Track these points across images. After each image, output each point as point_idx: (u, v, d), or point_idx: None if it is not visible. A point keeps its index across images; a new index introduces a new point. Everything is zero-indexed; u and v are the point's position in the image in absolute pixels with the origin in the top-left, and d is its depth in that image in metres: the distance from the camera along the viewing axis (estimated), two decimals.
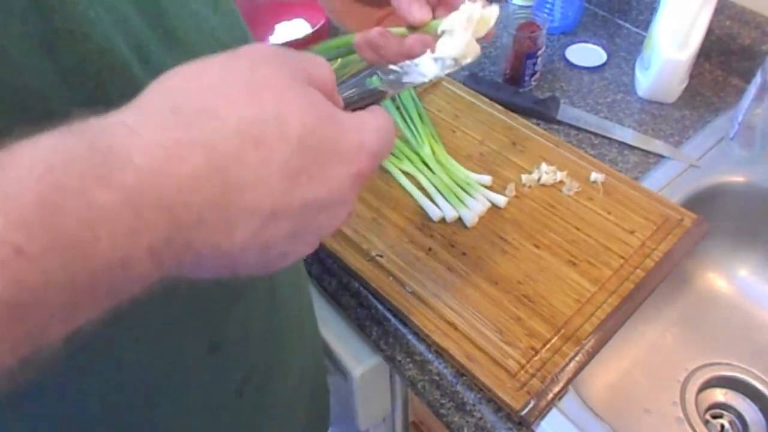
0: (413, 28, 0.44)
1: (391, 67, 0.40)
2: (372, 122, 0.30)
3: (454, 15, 0.42)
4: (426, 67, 0.41)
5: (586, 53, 0.93)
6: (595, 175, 0.71)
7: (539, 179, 0.71)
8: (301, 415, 0.59)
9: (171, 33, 0.34)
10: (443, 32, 0.43)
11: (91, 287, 0.22)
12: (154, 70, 0.31)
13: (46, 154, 0.22)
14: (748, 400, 0.74)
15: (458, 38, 0.42)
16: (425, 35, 0.43)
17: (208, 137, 0.24)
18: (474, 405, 0.57)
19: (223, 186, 0.24)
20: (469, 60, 0.43)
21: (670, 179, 0.74)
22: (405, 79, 0.40)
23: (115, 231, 0.22)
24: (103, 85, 0.29)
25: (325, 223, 0.29)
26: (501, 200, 0.69)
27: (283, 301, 0.49)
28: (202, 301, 0.40)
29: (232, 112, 0.25)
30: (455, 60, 0.42)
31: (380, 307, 0.64)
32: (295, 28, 0.98)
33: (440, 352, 0.59)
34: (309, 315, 0.59)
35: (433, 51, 0.42)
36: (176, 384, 0.42)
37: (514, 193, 0.71)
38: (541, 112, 0.82)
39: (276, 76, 0.27)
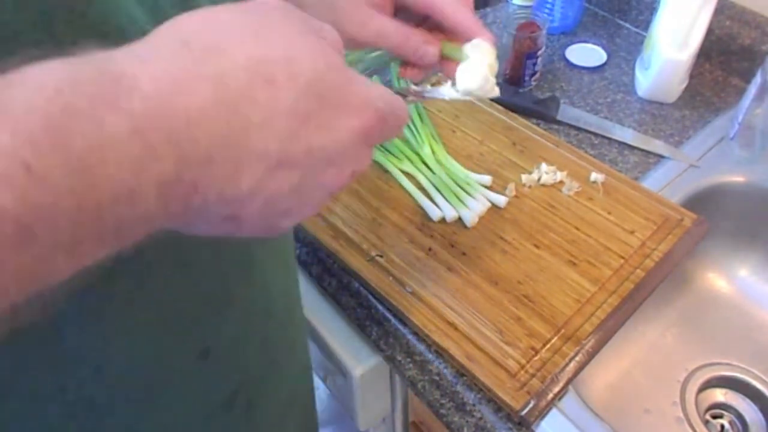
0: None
1: (413, 87, 0.44)
2: (381, 89, 0.31)
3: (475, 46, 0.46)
4: (446, 93, 0.46)
5: (586, 53, 0.93)
6: (595, 175, 0.71)
7: (539, 179, 0.71)
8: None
9: (162, 11, 0.34)
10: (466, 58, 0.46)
11: (97, 219, 0.22)
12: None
13: (55, 77, 0.22)
14: (748, 400, 0.74)
15: (476, 71, 0.45)
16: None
17: (218, 72, 0.24)
18: (474, 405, 0.57)
19: (231, 123, 0.24)
20: (487, 96, 0.46)
21: (670, 179, 0.74)
22: (426, 95, 0.44)
23: (122, 158, 0.22)
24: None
25: (331, 180, 0.29)
26: (501, 200, 0.69)
27: (276, 309, 0.49)
28: (194, 303, 0.39)
29: (242, 50, 0.25)
30: (471, 93, 0.45)
31: (380, 307, 0.64)
32: None
33: (440, 352, 0.60)
34: (301, 332, 0.58)
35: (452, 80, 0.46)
36: (166, 393, 0.41)
37: (514, 193, 0.71)
38: (541, 112, 0.82)
39: (287, 23, 0.28)
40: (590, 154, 0.76)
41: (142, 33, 0.28)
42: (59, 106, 0.21)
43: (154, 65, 0.24)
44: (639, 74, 0.86)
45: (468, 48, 0.45)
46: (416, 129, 0.75)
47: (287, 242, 0.53)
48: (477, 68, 0.44)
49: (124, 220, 0.23)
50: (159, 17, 0.32)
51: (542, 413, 0.55)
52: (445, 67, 0.48)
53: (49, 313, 0.23)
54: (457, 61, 0.46)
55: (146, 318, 0.37)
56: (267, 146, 0.25)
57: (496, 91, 0.46)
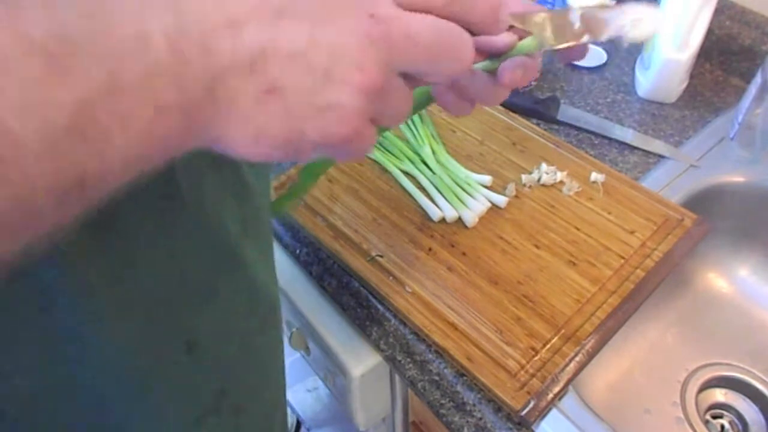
0: (496, 56, 0.36)
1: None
2: None
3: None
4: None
5: None
6: (595, 176, 0.71)
7: (539, 179, 0.71)
8: None
9: None
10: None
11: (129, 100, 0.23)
12: None
13: None
14: (748, 400, 0.74)
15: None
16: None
17: None
18: (474, 405, 0.57)
19: None
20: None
21: (670, 179, 0.74)
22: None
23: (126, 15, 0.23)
24: None
25: (342, 22, 0.27)
26: (501, 200, 0.69)
27: (258, 306, 0.49)
28: (180, 292, 0.40)
29: None
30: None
31: (380, 307, 0.64)
32: None
33: (440, 352, 0.60)
34: (279, 336, 0.57)
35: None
36: (156, 387, 0.41)
37: (514, 193, 0.71)
38: (541, 112, 0.82)
39: None
40: (590, 154, 0.76)
41: None
42: None
43: None
44: (639, 74, 0.86)
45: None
46: (416, 129, 0.75)
47: (269, 243, 0.53)
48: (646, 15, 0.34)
49: (143, 74, 0.23)
50: None
51: (542, 413, 0.55)
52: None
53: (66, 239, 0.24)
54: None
55: (134, 299, 0.36)
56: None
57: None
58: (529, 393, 0.55)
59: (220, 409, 0.46)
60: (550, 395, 0.55)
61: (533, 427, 0.55)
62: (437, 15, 0.29)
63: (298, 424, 1.29)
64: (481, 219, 0.68)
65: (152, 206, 0.35)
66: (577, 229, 0.67)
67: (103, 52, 0.22)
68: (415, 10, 0.28)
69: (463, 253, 0.65)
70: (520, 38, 0.35)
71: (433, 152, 0.74)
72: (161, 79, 0.23)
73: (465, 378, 0.58)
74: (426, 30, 0.28)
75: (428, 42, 0.28)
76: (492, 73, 0.35)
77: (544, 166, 0.72)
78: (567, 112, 0.82)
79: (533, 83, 0.88)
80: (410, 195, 0.71)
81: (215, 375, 0.45)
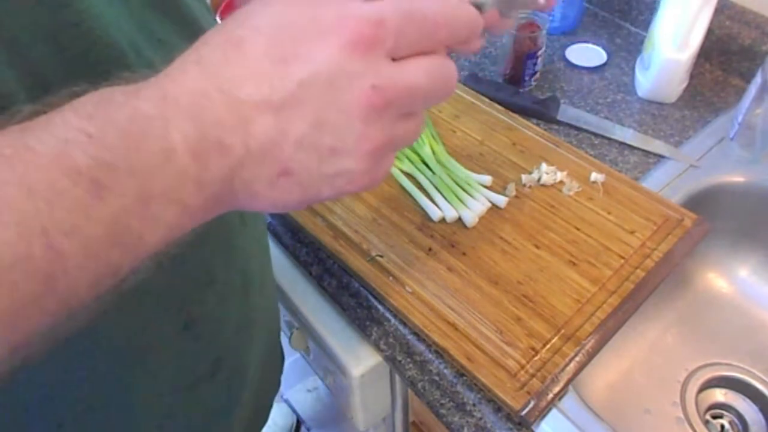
0: None
1: None
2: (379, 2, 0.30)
3: None
4: None
5: (586, 53, 0.93)
6: (595, 176, 0.71)
7: (539, 179, 0.71)
8: (254, 404, 0.61)
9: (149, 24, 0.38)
10: None
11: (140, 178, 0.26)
12: (149, 62, 0.35)
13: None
14: (748, 400, 0.74)
15: None
16: None
17: (203, 56, 0.28)
18: (474, 405, 0.57)
19: (219, 85, 0.27)
20: None
21: (670, 179, 0.74)
22: None
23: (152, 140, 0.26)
24: (105, 75, 0.31)
25: (350, 101, 0.28)
26: (501, 200, 0.69)
27: (252, 289, 0.52)
28: (178, 280, 0.42)
29: (216, 32, 0.29)
30: None
31: (380, 307, 0.64)
32: None
33: (440, 352, 0.60)
34: (272, 304, 0.61)
35: None
36: (154, 358, 0.44)
37: (514, 193, 0.71)
38: (541, 112, 0.82)
39: None
40: (590, 154, 0.76)
41: (134, 45, 0.32)
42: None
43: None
44: (639, 74, 0.86)
45: None
46: None
47: (263, 231, 0.57)
48: None
49: (168, 185, 0.26)
50: (145, 29, 0.36)
51: (542, 413, 0.55)
52: None
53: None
54: None
55: (133, 288, 0.38)
56: (259, 94, 0.27)
57: None
58: (529, 393, 0.55)
59: (216, 375, 0.49)
60: (550, 395, 0.55)
61: (533, 427, 0.55)
62: (431, 51, 0.31)
63: (298, 424, 1.29)
64: (481, 219, 0.68)
65: None
66: (577, 229, 0.67)
67: (135, 168, 0.25)
68: (412, 54, 0.30)
69: (463, 253, 0.65)
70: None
71: (433, 152, 0.74)
72: (185, 184, 0.27)
73: (465, 378, 0.58)
74: (423, 78, 0.30)
75: (426, 88, 0.30)
76: None
77: (544, 166, 0.72)
78: (567, 112, 0.82)
79: (533, 83, 0.88)
80: (410, 195, 0.71)
81: (212, 347, 0.48)
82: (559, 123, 0.82)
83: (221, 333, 0.49)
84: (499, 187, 0.71)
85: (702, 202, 0.73)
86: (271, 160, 0.28)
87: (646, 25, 0.90)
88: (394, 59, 0.29)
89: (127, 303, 0.38)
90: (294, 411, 1.09)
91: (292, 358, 0.85)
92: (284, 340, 0.71)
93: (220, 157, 0.27)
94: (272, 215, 0.73)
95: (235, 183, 0.28)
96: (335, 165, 0.29)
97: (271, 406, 0.68)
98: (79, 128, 0.25)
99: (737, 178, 0.75)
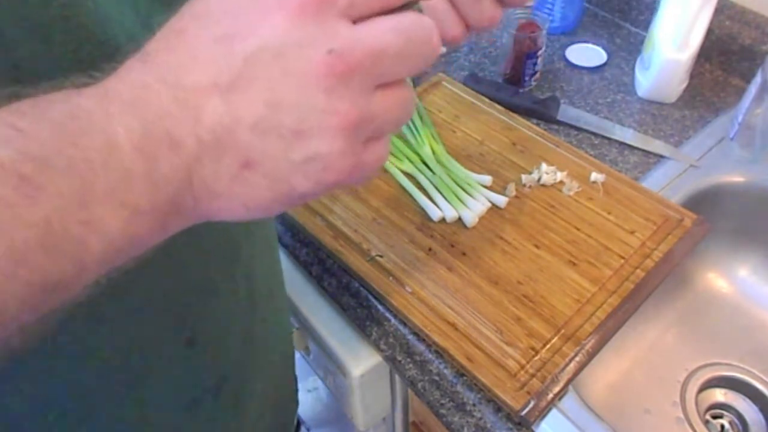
0: None
1: None
2: None
3: None
4: None
5: (586, 53, 0.93)
6: (595, 176, 0.71)
7: (539, 179, 0.71)
8: (269, 423, 0.58)
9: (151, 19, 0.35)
10: None
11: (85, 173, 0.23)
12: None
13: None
14: (748, 400, 0.74)
15: None
16: None
17: (147, 52, 0.26)
18: (474, 405, 0.57)
19: (163, 75, 0.25)
20: None
21: (670, 179, 0.74)
22: None
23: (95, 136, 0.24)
24: (98, 71, 0.30)
25: (307, 69, 0.25)
26: (501, 200, 0.69)
27: (259, 301, 0.49)
28: (179, 292, 0.40)
29: (162, 28, 0.27)
30: None
31: (380, 307, 0.64)
32: None
33: (440, 352, 0.60)
34: (284, 322, 0.58)
35: None
36: (154, 376, 0.42)
37: (514, 193, 0.71)
38: (541, 112, 0.82)
39: None
40: (590, 154, 0.76)
41: (134, 41, 0.29)
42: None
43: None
44: (639, 74, 0.86)
45: None
46: (416, 129, 0.75)
47: (272, 238, 0.54)
48: None
49: (112, 180, 0.24)
50: (149, 24, 0.33)
51: (542, 413, 0.55)
52: None
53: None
54: None
55: (131, 303, 0.37)
56: (204, 79, 0.25)
57: None
58: (529, 393, 0.55)
59: (220, 393, 0.47)
60: (550, 395, 0.55)
61: (533, 427, 0.55)
62: (394, 8, 0.28)
63: (298, 424, 1.29)
64: (481, 219, 0.68)
65: None
66: (577, 229, 0.67)
67: (72, 165, 0.23)
68: (372, 14, 0.27)
69: (463, 253, 0.65)
70: None
71: (433, 152, 0.74)
72: (133, 183, 0.24)
73: (465, 378, 0.58)
74: (391, 38, 0.26)
75: (397, 49, 0.27)
76: None
77: (544, 166, 0.72)
78: (567, 112, 0.82)
79: (533, 83, 0.88)
80: (410, 195, 0.71)
81: (215, 364, 0.46)
82: (559, 123, 0.82)
83: (225, 348, 0.46)
84: (499, 187, 0.71)
85: (702, 202, 0.73)
86: (229, 151, 0.25)
87: (646, 25, 0.90)
88: (355, 23, 0.26)
89: (122, 317, 0.37)
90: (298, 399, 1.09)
91: None
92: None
93: (171, 153, 0.24)
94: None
95: (195, 183, 0.25)
96: (303, 149, 0.26)
97: (292, 423, 0.66)
98: (9, 123, 0.22)
99: (737, 178, 0.75)
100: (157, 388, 0.42)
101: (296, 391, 0.67)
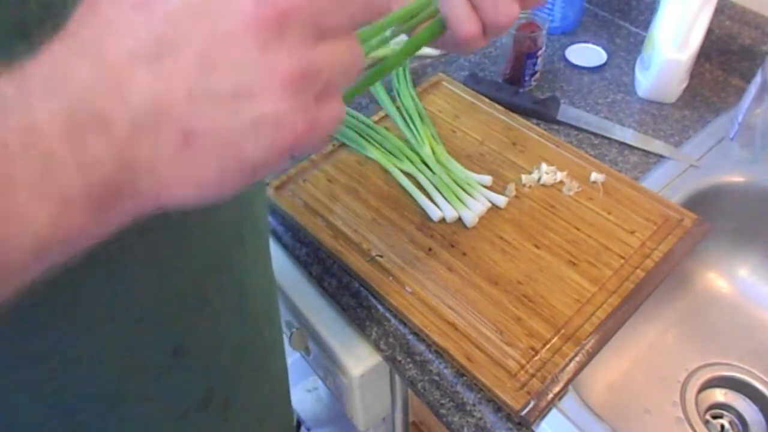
0: None
1: None
2: None
3: None
4: None
5: (586, 53, 0.93)
6: (595, 176, 0.71)
7: (539, 179, 0.71)
8: None
9: None
10: None
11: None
12: None
13: None
14: (748, 400, 0.74)
15: None
16: None
17: (65, 33, 0.24)
18: (474, 405, 0.57)
19: (82, 50, 0.23)
20: None
21: (670, 179, 0.74)
22: None
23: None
24: None
25: (225, 28, 0.23)
26: (501, 200, 0.69)
27: (251, 313, 0.48)
28: (166, 302, 0.39)
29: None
30: None
31: (380, 307, 0.64)
32: None
33: (440, 352, 0.60)
34: (278, 337, 0.57)
35: None
36: (139, 387, 0.40)
37: (514, 193, 0.71)
38: (541, 112, 0.82)
39: None
40: (590, 154, 0.76)
41: None
42: None
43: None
44: (639, 74, 0.86)
45: None
46: (416, 129, 0.75)
47: (266, 250, 0.52)
48: None
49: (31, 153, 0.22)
50: None
51: (542, 413, 0.55)
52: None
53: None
54: None
55: (116, 313, 0.36)
56: (125, 50, 0.23)
57: None
58: (529, 393, 0.55)
59: (208, 406, 0.46)
60: (550, 395, 0.55)
61: (533, 427, 0.55)
62: None
63: (298, 424, 1.29)
64: (481, 219, 0.68)
65: (138, 222, 0.35)
66: (577, 229, 0.67)
67: None
68: None
69: (463, 253, 0.65)
70: None
71: (433, 152, 0.74)
72: (58, 167, 0.22)
73: (465, 378, 0.58)
74: None
75: None
76: None
77: (544, 166, 0.72)
78: (567, 112, 0.82)
79: (533, 83, 0.88)
80: (410, 195, 0.71)
81: (204, 377, 0.45)
82: (559, 123, 0.82)
83: (215, 360, 0.45)
84: (499, 187, 0.71)
85: (702, 202, 0.73)
86: (165, 125, 0.23)
87: (646, 25, 0.90)
88: None
89: (106, 328, 0.36)
90: (294, 411, 1.09)
91: (292, 358, 0.85)
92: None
93: (101, 133, 0.22)
94: (272, 215, 0.73)
95: (134, 165, 0.23)
96: (247, 112, 0.23)
97: None
98: None
99: (737, 178, 0.75)
100: (143, 399, 0.41)
101: (290, 402, 0.66)
